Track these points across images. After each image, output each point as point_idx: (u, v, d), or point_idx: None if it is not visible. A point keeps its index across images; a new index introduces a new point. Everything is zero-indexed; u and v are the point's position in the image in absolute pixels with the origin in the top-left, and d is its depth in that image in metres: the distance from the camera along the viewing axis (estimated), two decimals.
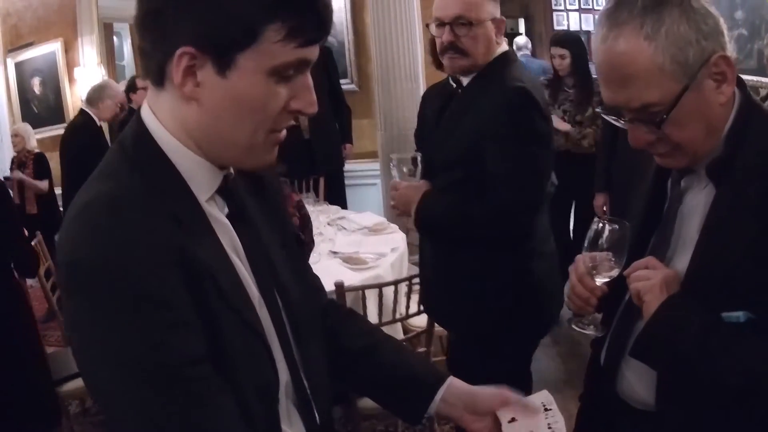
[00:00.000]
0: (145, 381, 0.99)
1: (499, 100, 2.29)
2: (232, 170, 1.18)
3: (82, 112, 5.55)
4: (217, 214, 1.15)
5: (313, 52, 1.07)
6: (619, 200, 3.56)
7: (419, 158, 2.47)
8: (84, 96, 6.00)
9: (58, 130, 6.50)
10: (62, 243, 1.02)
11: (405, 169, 2.49)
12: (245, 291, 1.14)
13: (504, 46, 2.44)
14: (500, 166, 2.27)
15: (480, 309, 2.47)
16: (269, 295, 1.21)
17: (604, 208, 4.50)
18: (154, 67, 1.07)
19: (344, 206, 5.53)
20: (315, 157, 5.71)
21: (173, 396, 1.00)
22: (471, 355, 2.56)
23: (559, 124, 4.53)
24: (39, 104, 7.04)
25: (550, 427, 1.24)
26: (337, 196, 5.77)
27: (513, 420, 1.26)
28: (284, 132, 1.13)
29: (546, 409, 1.28)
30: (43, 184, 5.69)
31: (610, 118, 1.43)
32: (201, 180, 1.11)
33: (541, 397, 1.31)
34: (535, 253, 2.47)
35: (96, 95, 5.40)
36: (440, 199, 2.43)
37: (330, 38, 5.89)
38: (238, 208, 1.19)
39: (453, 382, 1.34)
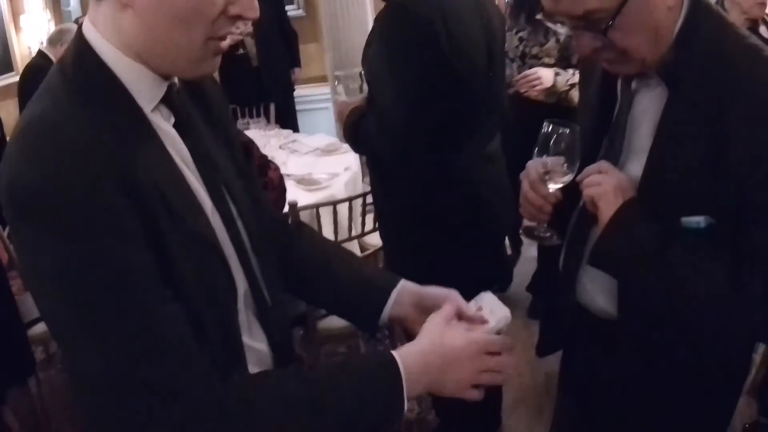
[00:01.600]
0: (89, 296, 0.96)
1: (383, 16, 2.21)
2: (176, 80, 1.15)
3: (40, 53, 5.53)
4: (164, 125, 1.12)
5: None
6: None
7: (362, 73, 2.41)
8: (30, 44, 6.13)
9: (7, 79, 6.40)
10: (2, 168, 0.98)
11: (351, 86, 2.47)
12: (196, 201, 1.11)
13: None
14: (375, 92, 2.26)
15: (408, 229, 2.45)
16: (222, 205, 1.18)
17: None
18: None
19: (296, 131, 5.46)
20: (264, 83, 5.67)
21: (119, 309, 0.97)
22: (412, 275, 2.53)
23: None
24: None
25: (485, 322, 1.26)
26: (288, 121, 5.72)
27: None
28: (227, 41, 1.10)
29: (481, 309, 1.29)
30: None
31: (553, 25, 1.36)
32: (145, 90, 1.08)
33: (482, 297, 1.32)
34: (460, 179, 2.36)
35: (57, 37, 5.37)
36: (356, 113, 2.37)
37: None
38: (184, 117, 1.16)
39: (405, 284, 1.36)
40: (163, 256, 1.01)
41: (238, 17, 1.06)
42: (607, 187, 1.32)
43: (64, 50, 1.10)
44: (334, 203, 3.01)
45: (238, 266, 1.19)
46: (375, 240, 3.26)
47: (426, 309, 1.30)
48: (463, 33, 2.19)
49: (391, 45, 2.15)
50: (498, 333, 1.25)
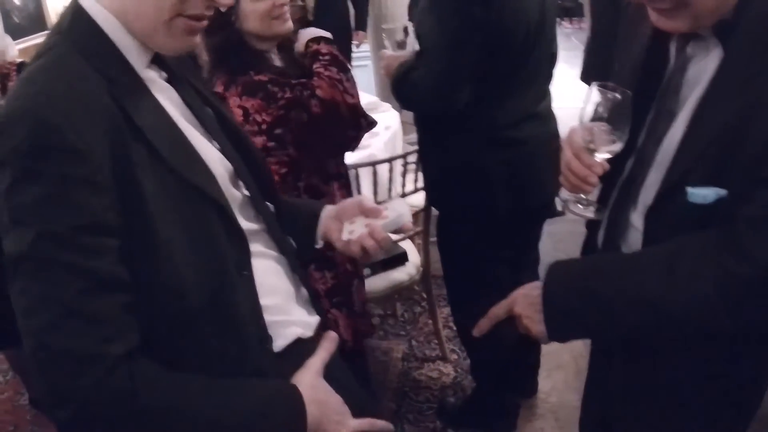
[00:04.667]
0: (38, 233, 0.95)
1: None
2: None
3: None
4: (158, 80, 1.17)
5: None
6: None
7: (409, 27, 2.38)
8: (64, 1, 5.75)
9: (42, 38, 6.19)
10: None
11: (396, 40, 2.40)
12: (190, 151, 1.13)
13: None
14: (423, 44, 2.22)
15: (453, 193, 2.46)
16: (227, 149, 1.27)
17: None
18: None
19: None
20: None
21: (62, 258, 0.96)
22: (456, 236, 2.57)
23: None
24: (19, 14, 6.78)
25: (385, 217, 1.38)
26: None
27: (353, 222, 1.42)
28: (202, 22, 1.13)
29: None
30: None
31: None
32: (135, 50, 1.12)
33: (391, 202, 1.45)
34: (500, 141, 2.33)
35: None
36: (404, 67, 2.33)
37: None
38: (175, 73, 1.21)
39: (328, 206, 1.50)
40: (142, 206, 1.02)
41: (211, 1, 1.10)
42: (517, 311, 1.40)
43: (60, 15, 1.15)
44: (374, 163, 2.95)
45: (251, 207, 1.29)
46: (415, 201, 3.22)
47: (345, 219, 1.43)
48: None
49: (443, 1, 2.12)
50: (396, 229, 1.39)
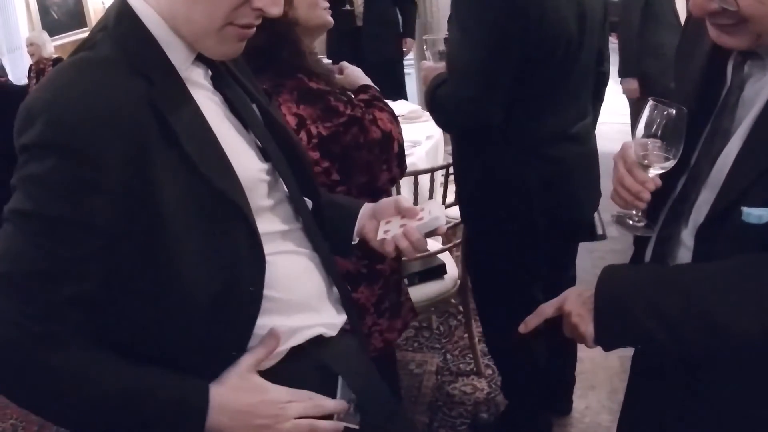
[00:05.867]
0: (28, 211, 1.00)
1: None
2: None
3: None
4: (201, 79, 1.18)
5: None
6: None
7: (446, 38, 2.42)
8: None
9: (80, 34, 6.43)
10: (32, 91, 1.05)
11: (438, 50, 2.39)
12: (222, 158, 1.13)
13: None
14: (451, 54, 2.20)
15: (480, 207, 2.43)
16: (270, 147, 1.26)
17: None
18: None
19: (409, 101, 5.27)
20: (364, 46, 5.45)
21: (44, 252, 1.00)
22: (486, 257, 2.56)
23: None
24: (59, 10, 6.89)
25: (420, 219, 1.37)
26: (390, 91, 5.29)
27: (389, 221, 1.42)
28: (252, 30, 1.15)
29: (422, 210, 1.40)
30: None
31: None
32: (180, 49, 1.13)
33: (430, 203, 1.44)
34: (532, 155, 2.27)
35: None
36: (437, 79, 2.29)
37: None
38: (220, 70, 1.22)
39: (368, 204, 1.50)
40: (154, 220, 1.03)
41: (260, 11, 1.11)
42: (567, 308, 1.34)
43: (106, 11, 1.16)
44: (416, 174, 2.94)
45: (291, 210, 1.29)
46: (455, 212, 3.17)
47: (380, 218, 1.44)
48: (551, 7, 2.09)
49: (473, 7, 2.10)
50: (431, 231, 1.37)
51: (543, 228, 2.32)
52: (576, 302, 1.35)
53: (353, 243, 1.48)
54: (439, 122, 2.40)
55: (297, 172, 1.33)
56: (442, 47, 2.43)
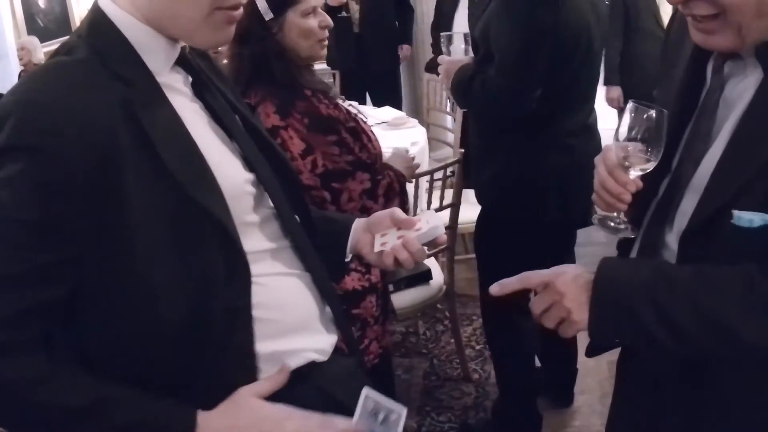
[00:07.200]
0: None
1: None
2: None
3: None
4: (180, 85, 1.16)
5: None
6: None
7: (468, 36, 2.52)
8: (89, 4, 5.78)
9: None
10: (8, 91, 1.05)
11: (462, 46, 2.55)
12: (200, 167, 1.10)
13: None
14: (495, 48, 2.30)
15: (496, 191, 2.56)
16: (255, 160, 1.24)
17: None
18: None
19: (400, 108, 5.29)
20: (364, 53, 5.45)
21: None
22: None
23: None
24: (45, 17, 6.85)
25: (418, 229, 1.36)
26: (388, 99, 5.25)
27: (385, 234, 1.40)
28: (239, 11, 1.13)
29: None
30: None
31: None
32: (158, 53, 1.12)
33: (426, 213, 1.44)
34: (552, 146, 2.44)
35: None
36: (466, 71, 2.43)
37: None
38: (201, 76, 1.21)
39: (360, 219, 1.47)
40: (125, 226, 1.01)
41: None
42: (561, 289, 1.25)
43: (81, 20, 1.15)
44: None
45: (278, 226, 1.25)
46: (446, 219, 3.18)
47: (376, 230, 1.41)
48: (575, 6, 2.27)
49: (515, 6, 2.21)
50: (429, 241, 1.35)
51: (554, 218, 2.45)
52: (572, 285, 1.27)
53: (347, 260, 1.44)
54: (474, 109, 2.56)
55: (284, 185, 1.30)
56: (461, 43, 2.52)
